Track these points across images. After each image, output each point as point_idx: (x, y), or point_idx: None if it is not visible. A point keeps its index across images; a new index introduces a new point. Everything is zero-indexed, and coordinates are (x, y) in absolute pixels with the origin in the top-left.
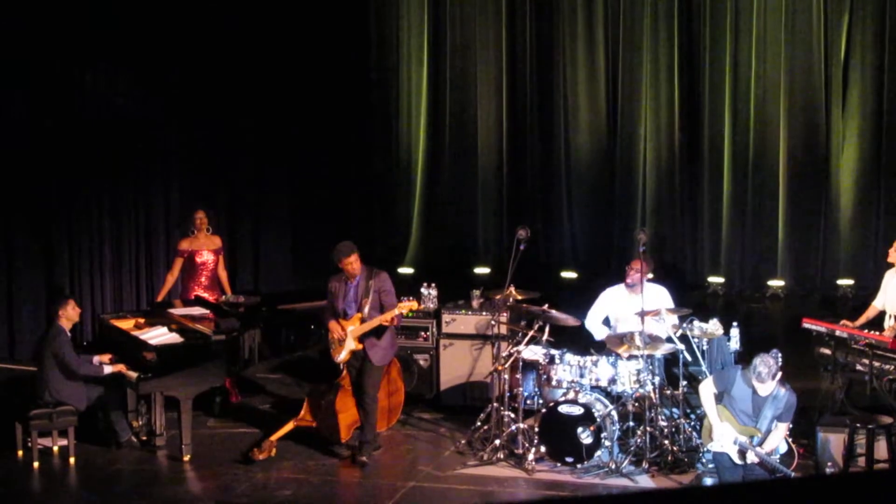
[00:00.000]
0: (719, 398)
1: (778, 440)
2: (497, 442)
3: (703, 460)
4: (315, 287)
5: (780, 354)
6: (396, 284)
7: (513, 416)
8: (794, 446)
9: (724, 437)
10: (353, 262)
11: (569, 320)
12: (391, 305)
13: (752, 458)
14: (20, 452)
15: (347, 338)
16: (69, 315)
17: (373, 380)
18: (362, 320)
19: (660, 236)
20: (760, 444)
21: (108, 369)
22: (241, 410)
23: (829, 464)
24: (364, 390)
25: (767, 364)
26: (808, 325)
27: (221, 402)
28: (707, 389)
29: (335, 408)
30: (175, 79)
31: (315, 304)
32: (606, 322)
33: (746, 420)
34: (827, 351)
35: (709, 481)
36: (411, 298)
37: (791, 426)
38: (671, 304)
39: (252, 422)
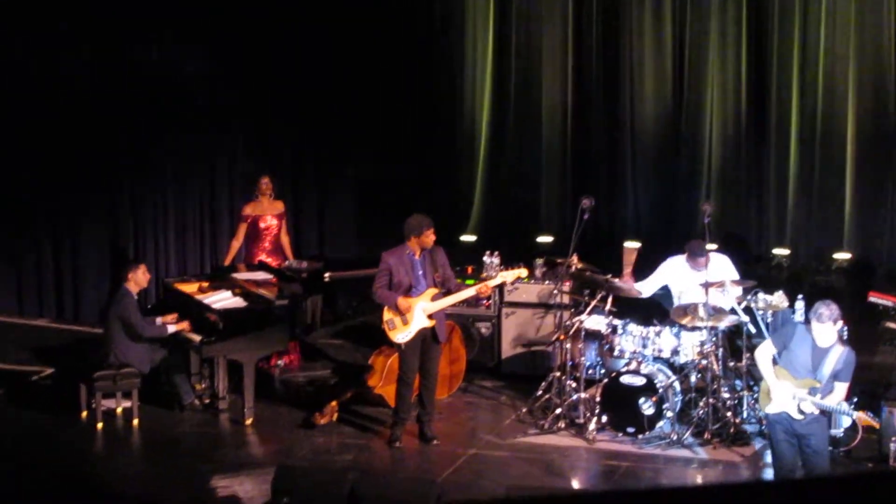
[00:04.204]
0: (776, 359)
1: (839, 398)
2: (558, 411)
3: (766, 432)
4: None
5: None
6: (460, 252)
7: (574, 385)
8: (857, 420)
9: (782, 394)
10: (432, 235)
11: (632, 290)
12: (451, 279)
13: (810, 408)
14: (84, 413)
15: (418, 315)
16: (139, 280)
17: (437, 358)
18: (435, 296)
19: (724, 207)
20: (821, 397)
21: (171, 328)
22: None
23: (894, 438)
24: (428, 370)
25: (829, 306)
26: (874, 298)
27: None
28: (764, 351)
29: (395, 374)
30: (242, 47)
31: (357, 272)
32: (666, 293)
33: (805, 373)
34: (893, 325)
35: (769, 454)
36: (521, 264)
37: (855, 401)
38: (734, 274)
39: (314, 387)
